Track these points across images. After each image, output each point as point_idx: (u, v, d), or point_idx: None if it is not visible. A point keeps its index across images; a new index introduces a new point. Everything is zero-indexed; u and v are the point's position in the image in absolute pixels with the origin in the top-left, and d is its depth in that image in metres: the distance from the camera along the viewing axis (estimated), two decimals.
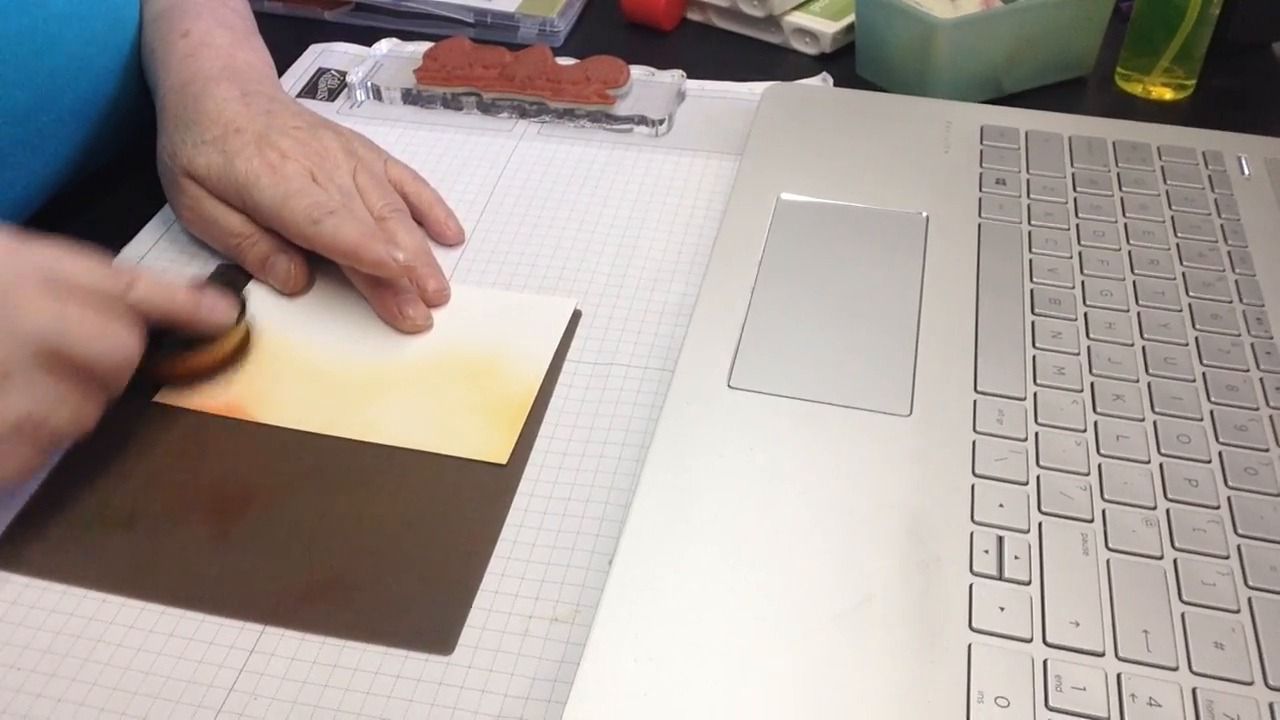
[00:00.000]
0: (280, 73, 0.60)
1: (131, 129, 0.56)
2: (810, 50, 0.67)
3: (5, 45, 0.48)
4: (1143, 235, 0.49)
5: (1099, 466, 0.38)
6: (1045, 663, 0.33)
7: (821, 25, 0.66)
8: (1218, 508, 0.37)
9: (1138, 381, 0.42)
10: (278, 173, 0.47)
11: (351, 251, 0.46)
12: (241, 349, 0.47)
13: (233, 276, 0.48)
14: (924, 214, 0.50)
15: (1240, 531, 0.36)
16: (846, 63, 0.66)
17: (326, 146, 0.50)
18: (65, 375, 0.38)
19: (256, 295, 0.49)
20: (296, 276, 0.49)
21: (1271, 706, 0.32)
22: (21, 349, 0.37)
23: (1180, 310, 0.45)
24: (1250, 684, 0.32)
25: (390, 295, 0.48)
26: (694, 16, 0.71)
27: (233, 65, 0.52)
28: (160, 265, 0.51)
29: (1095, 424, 0.40)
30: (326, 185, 0.48)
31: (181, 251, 0.52)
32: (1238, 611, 0.34)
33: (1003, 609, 0.34)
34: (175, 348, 0.44)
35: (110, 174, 0.57)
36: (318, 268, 0.50)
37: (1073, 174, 0.53)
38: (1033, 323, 0.44)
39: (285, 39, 0.67)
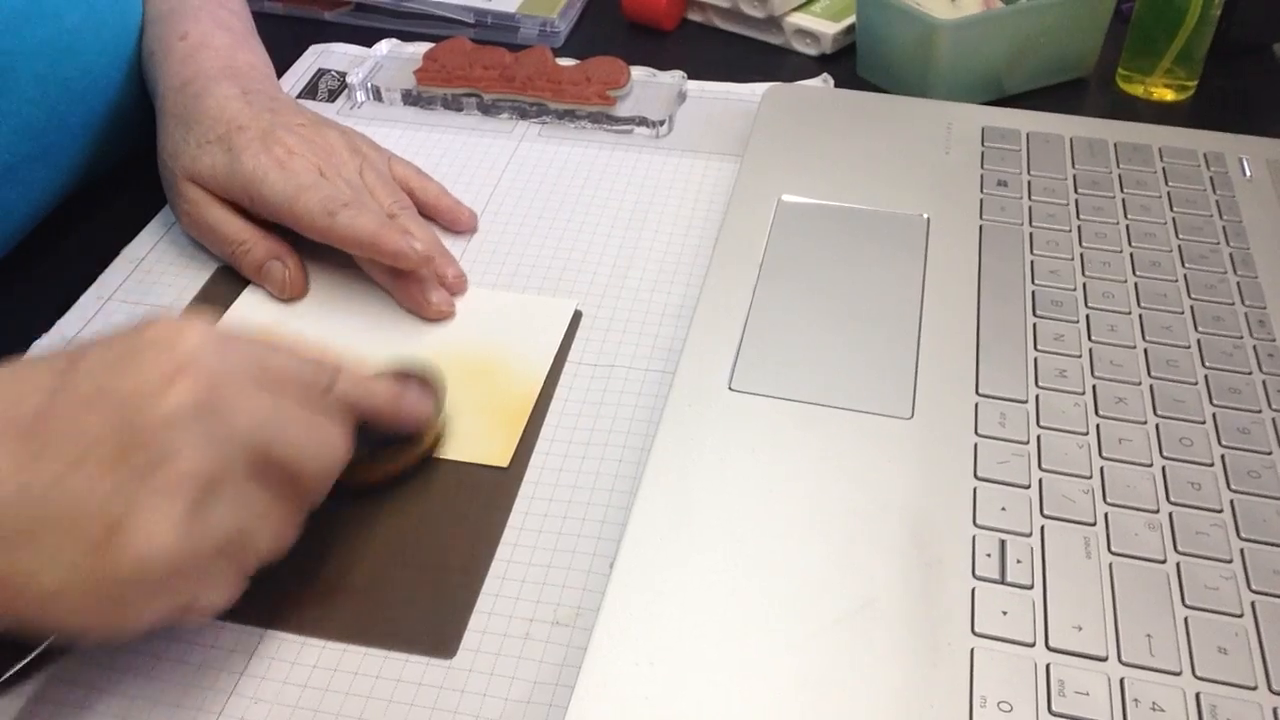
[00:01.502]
0: (280, 73, 0.60)
1: (134, 135, 0.56)
2: (811, 51, 0.67)
3: (23, 59, 0.47)
4: (1144, 237, 0.49)
5: (1101, 469, 0.38)
6: (1048, 667, 0.33)
7: (822, 26, 0.66)
8: (1220, 511, 0.37)
9: (1140, 384, 0.42)
10: (286, 168, 0.47)
11: (370, 242, 0.46)
12: (436, 446, 0.42)
13: (427, 369, 0.42)
14: (925, 215, 0.50)
15: (1243, 535, 0.36)
16: (847, 64, 0.66)
17: (332, 144, 0.50)
18: (272, 485, 0.33)
19: (252, 301, 0.49)
20: (293, 282, 0.49)
21: (1275, 711, 0.32)
22: (235, 454, 0.32)
23: (1182, 312, 0.45)
24: (1254, 688, 0.32)
25: (413, 284, 0.48)
26: (695, 17, 0.71)
27: (233, 66, 0.52)
28: (160, 267, 0.51)
29: (1097, 427, 0.40)
30: (335, 180, 0.48)
31: (180, 254, 0.52)
32: (1241, 615, 0.34)
33: (1005, 613, 0.34)
34: (369, 448, 0.38)
35: (111, 177, 0.57)
36: (314, 274, 0.50)
37: (1074, 175, 0.52)
38: (1034, 325, 0.44)
39: (285, 39, 0.67)
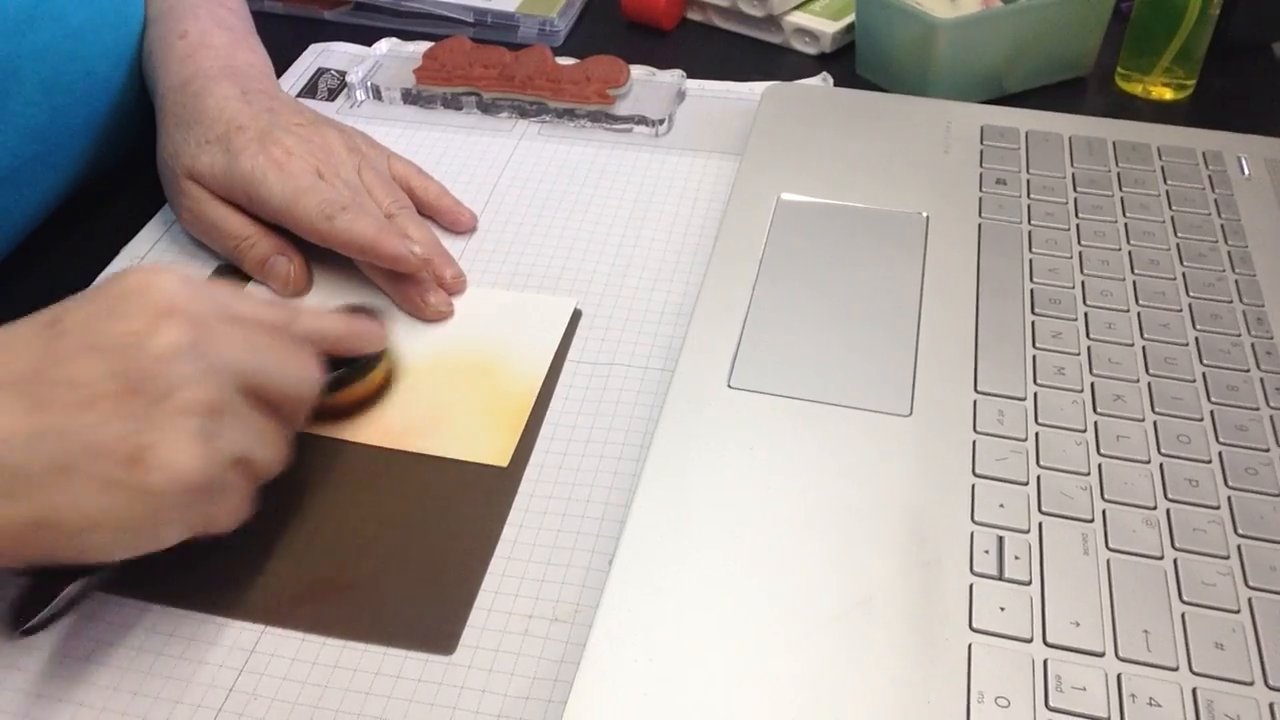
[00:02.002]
0: (280, 73, 0.60)
1: (136, 135, 0.56)
2: (810, 50, 0.67)
3: (27, 62, 0.47)
4: (1143, 235, 0.49)
5: (1099, 466, 0.38)
6: (1045, 663, 0.33)
7: (822, 25, 0.66)
8: (1218, 508, 0.37)
9: (1138, 381, 0.42)
10: (284, 170, 0.47)
11: (369, 246, 0.46)
12: (391, 375, 0.45)
13: (370, 305, 0.47)
14: (924, 214, 0.50)
15: (1240, 531, 0.36)
16: (847, 62, 0.66)
17: (330, 143, 0.50)
18: (262, 409, 0.36)
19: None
20: (297, 278, 0.49)
21: (1272, 707, 0.32)
22: (228, 384, 0.34)
23: (1180, 310, 0.45)
24: (1250, 684, 0.32)
25: (411, 286, 0.48)
26: (694, 16, 0.71)
27: (232, 65, 0.52)
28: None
29: (1095, 424, 0.40)
30: (333, 181, 0.48)
31: (181, 252, 0.52)
32: (1238, 612, 0.34)
33: (1003, 609, 0.34)
34: (333, 376, 0.41)
35: (111, 177, 0.57)
36: (316, 270, 0.50)
37: (1073, 174, 0.53)
38: (1033, 323, 0.44)
39: (285, 39, 0.67)
